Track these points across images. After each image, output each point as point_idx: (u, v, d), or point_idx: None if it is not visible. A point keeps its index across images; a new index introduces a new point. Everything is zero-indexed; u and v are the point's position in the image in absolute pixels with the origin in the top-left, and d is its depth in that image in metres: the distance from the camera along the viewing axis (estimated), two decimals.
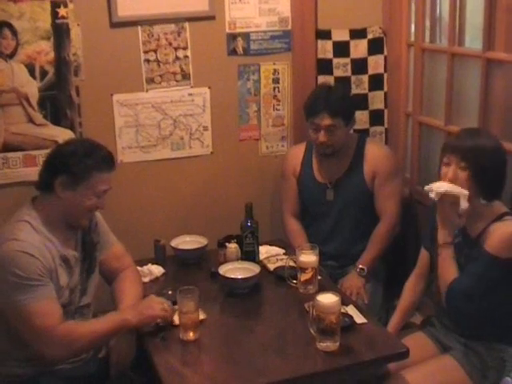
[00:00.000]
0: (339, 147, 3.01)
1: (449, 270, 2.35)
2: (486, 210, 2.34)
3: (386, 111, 3.49)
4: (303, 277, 2.57)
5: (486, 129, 2.77)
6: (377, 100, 3.47)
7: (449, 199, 2.30)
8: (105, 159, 2.27)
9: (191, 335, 2.26)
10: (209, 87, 3.23)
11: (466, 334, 2.41)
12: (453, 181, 2.30)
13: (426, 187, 2.36)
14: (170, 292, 2.44)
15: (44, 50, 2.92)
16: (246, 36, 3.22)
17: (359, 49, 3.39)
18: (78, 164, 2.20)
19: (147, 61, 3.11)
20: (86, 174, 2.21)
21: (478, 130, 2.61)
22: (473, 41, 3.06)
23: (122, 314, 2.28)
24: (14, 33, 2.86)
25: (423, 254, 2.62)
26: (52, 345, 2.12)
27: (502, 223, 2.28)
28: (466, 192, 2.28)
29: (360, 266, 3.02)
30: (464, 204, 2.28)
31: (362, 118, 3.44)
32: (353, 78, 3.41)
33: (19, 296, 2.09)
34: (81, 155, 2.21)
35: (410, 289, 2.65)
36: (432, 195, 2.32)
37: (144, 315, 2.27)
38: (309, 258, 2.57)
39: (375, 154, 3.06)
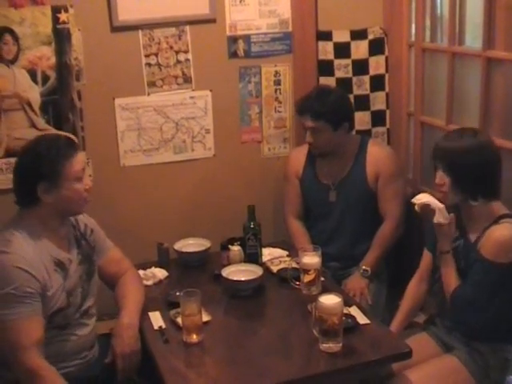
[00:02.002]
0: (327, 150, 3.01)
1: (450, 279, 2.36)
2: (483, 211, 2.31)
3: (387, 112, 3.48)
4: (306, 278, 2.57)
5: (475, 127, 2.69)
6: (378, 100, 3.46)
7: (430, 211, 2.33)
8: (66, 146, 2.26)
9: (194, 337, 2.27)
10: (210, 90, 3.24)
11: (470, 336, 2.41)
12: (440, 185, 2.33)
13: (412, 200, 2.40)
14: (177, 293, 2.44)
15: (45, 55, 2.93)
16: (246, 38, 3.22)
17: (360, 49, 3.39)
18: (47, 164, 2.18)
19: (148, 64, 3.11)
20: (58, 168, 2.19)
21: (461, 131, 2.41)
22: (474, 40, 3.04)
23: None
24: (16, 38, 2.87)
25: (426, 256, 2.60)
26: (16, 370, 2.10)
27: (498, 226, 2.25)
28: (441, 206, 2.31)
29: (363, 267, 3.02)
30: (438, 218, 2.32)
31: (363, 118, 3.44)
32: (354, 79, 3.41)
33: (4, 310, 2.08)
34: (45, 155, 2.20)
35: (413, 291, 2.63)
36: (416, 207, 2.36)
37: None
38: (311, 259, 2.57)
39: (377, 155, 3.06)
